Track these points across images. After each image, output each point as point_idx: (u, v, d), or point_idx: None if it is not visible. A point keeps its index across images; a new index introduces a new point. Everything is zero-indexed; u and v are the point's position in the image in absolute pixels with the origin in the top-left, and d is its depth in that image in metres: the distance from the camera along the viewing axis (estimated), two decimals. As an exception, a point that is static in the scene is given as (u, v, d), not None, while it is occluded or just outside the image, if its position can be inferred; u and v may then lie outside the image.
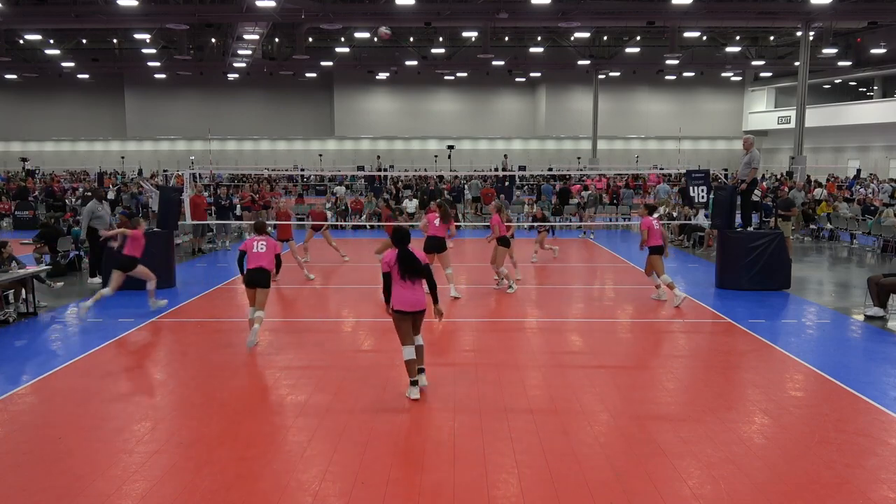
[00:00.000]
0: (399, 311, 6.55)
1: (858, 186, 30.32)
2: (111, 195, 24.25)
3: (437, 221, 11.18)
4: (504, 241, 11.81)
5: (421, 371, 6.86)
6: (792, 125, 37.64)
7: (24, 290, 10.29)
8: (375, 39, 32.25)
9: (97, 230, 12.68)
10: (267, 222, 10.51)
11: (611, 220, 24.29)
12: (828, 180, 32.72)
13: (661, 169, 39.34)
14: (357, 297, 11.88)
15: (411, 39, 45.71)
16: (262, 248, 8.48)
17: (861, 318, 10.01)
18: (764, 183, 29.66)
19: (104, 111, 54.36)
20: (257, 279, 8.41)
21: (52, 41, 40.59)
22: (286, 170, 45.64)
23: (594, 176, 31.66)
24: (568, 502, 4.71)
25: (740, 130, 52.93)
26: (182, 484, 4.97)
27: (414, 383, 6.66)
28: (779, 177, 35.10)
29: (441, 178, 29.13)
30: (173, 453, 5.49)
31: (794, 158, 35.20)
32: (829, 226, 19.55)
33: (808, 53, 33.23)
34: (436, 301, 6.70)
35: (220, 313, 10.54)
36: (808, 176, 32.50)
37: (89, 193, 18.73)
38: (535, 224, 17.04)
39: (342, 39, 43.32)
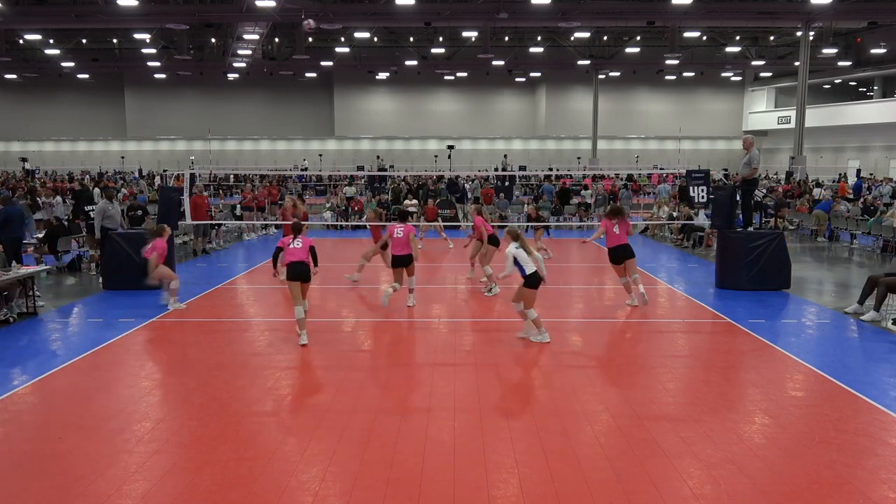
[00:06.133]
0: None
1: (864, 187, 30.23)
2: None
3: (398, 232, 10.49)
4: (493, 241, 11.84)
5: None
6: (792, 125, 37.64)
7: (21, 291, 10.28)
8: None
9: (108, 230, 12.64)
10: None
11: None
12: (841, 179, 32.48)
13: (662, 169, 39.34)
14: (357, 297, 11.89)
15: (411, 39, 45.72)
16: (298, 245, 8.86)
17: (861, 317, 10.00)
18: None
19: (104, 111, 54.38)
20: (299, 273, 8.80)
21: (52, 41, 40.59)
22: (288, 170, 45.69)
23: (595, 176, 31.62)
24: (568, 502, 4.71)
25: (740, 130, 52.94)
26: (182, 484, 4.97)
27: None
28: (779, 180, 35.07)
29: (440, 177, 29.10)
30: (173, 453, 5.49)
31: (794, 158, 35.20)
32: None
33: (808, 53, 33.23)
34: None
35: (221, 313, 10.54)
36: (807, 176, 32.52)
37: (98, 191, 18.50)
38: (530, 224, 17.12)
39: (342, 39, 43.33)
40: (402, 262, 10.34)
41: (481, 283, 12.20)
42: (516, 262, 8.35)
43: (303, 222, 12.16)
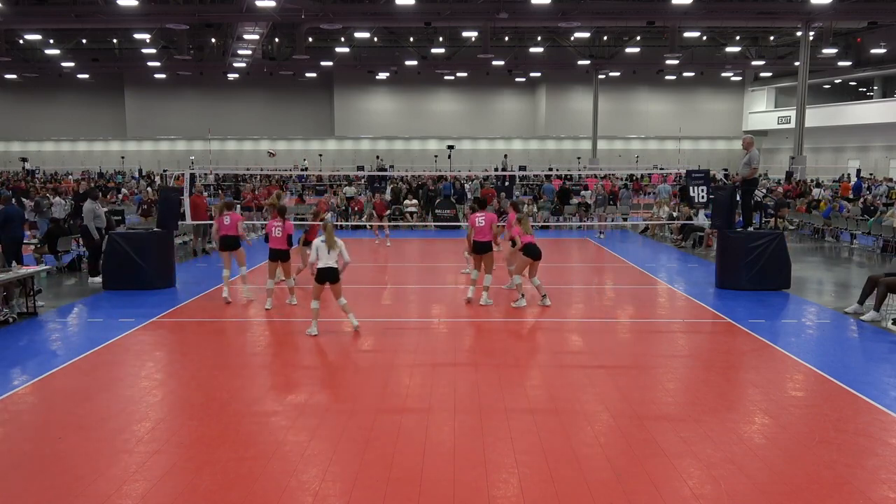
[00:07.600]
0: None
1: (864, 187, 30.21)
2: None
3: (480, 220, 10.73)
4: (531, 252, 10.56)
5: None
6: (792, 125, 37.65)
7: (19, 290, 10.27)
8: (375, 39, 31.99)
9: (98, 229, 12.76)
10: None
11: (612, 220, 24.28)
12: (842, 179, 32.48)
13: (663, 169, 39.37)
14: (356, 296, 11.88)
15: (411, 39, 45.72)
16: (278, 234, 10.44)
17: (861, 317, 10.00)
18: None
19: (104, 111, 54.38)
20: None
21: (52, 41, 40.61)
22: (288, 170, 45.68)
23: (597, 176, 31.61)
24: (568, 502, 4.71)
25: (740, 130, 52.95)
26: (182, 484, 4.97)
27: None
28: (779, 181, 35.07)
29: (440, 178, 29.11)
30: (173, 453, 5.49)
31: (794, 158, 35.21)
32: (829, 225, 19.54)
33: (808, 53, 33.24)
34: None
35: (221, 313, 10.54)
36: (805, 179, 32.50)
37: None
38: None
39: (342, 39, 43.33)
40: (482, 248, 10.69)
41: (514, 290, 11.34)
42: (318, 253, 8.99)
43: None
